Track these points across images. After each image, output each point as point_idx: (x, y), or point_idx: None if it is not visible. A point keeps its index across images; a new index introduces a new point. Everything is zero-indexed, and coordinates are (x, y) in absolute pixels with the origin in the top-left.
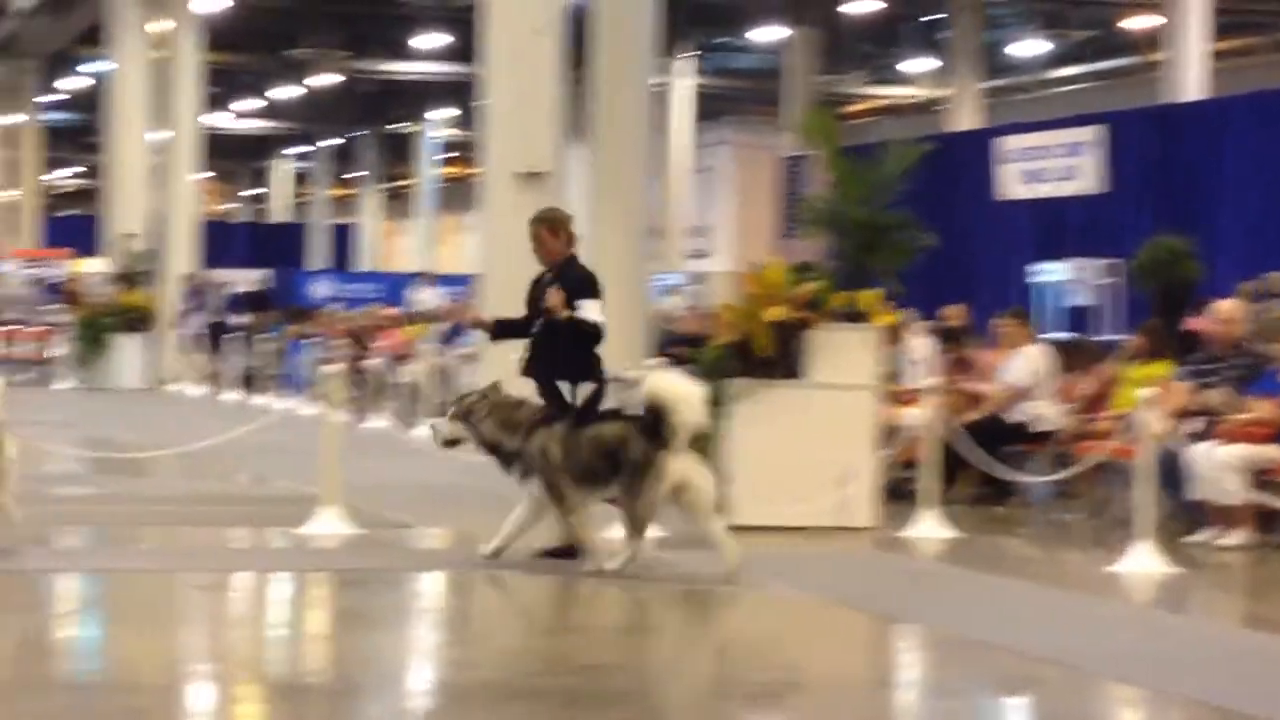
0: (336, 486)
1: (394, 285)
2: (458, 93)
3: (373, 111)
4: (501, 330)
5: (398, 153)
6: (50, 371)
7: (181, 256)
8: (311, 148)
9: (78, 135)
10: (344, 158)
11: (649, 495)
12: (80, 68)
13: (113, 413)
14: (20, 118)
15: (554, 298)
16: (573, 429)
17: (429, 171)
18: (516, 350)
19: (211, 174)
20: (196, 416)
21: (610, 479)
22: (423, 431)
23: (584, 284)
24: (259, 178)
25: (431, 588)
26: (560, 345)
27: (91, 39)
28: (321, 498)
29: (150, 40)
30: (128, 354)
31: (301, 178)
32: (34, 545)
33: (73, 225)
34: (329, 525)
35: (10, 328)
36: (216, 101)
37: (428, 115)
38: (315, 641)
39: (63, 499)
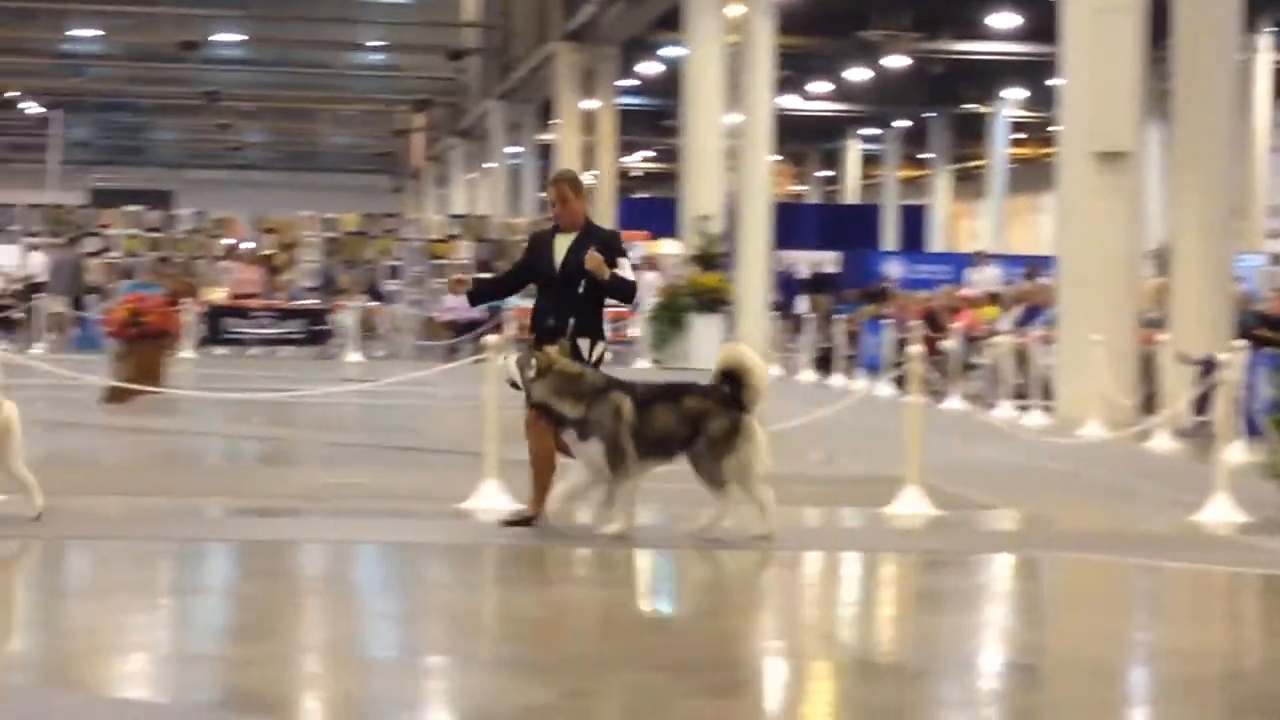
0: (918, 467)
1: (964, 266)
2: (1031, 72)
3: (944, 92)
4: (482, 291)
5: (969, 133)
6: (629, 351)
7: (755, 238)
8: (882, 129)
9: (652, 119)
10: (914, 139)
11: (742, 456)
12: (656, 53)
13: None
14: (598, 103)
15: (594, 260)
16: (643, 400)
17: (1000, 152)
18: (1096, 331)
19: (783, 156)
20: (772, 397)
21: (678, 450)
22: (1003, 412)
23: (616, 243)
24: (830, 159)
25: (1004, 569)
26: (579, 304)
27: (667, 24)
28: (904, 478)
29: (725, 24)
30: (704, 334)
31: (872, 159)
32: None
33: (647, 207)
34: (911, 505)
35: None
36: (788, 84)
37: (1000, 95)
38: (889, 621)
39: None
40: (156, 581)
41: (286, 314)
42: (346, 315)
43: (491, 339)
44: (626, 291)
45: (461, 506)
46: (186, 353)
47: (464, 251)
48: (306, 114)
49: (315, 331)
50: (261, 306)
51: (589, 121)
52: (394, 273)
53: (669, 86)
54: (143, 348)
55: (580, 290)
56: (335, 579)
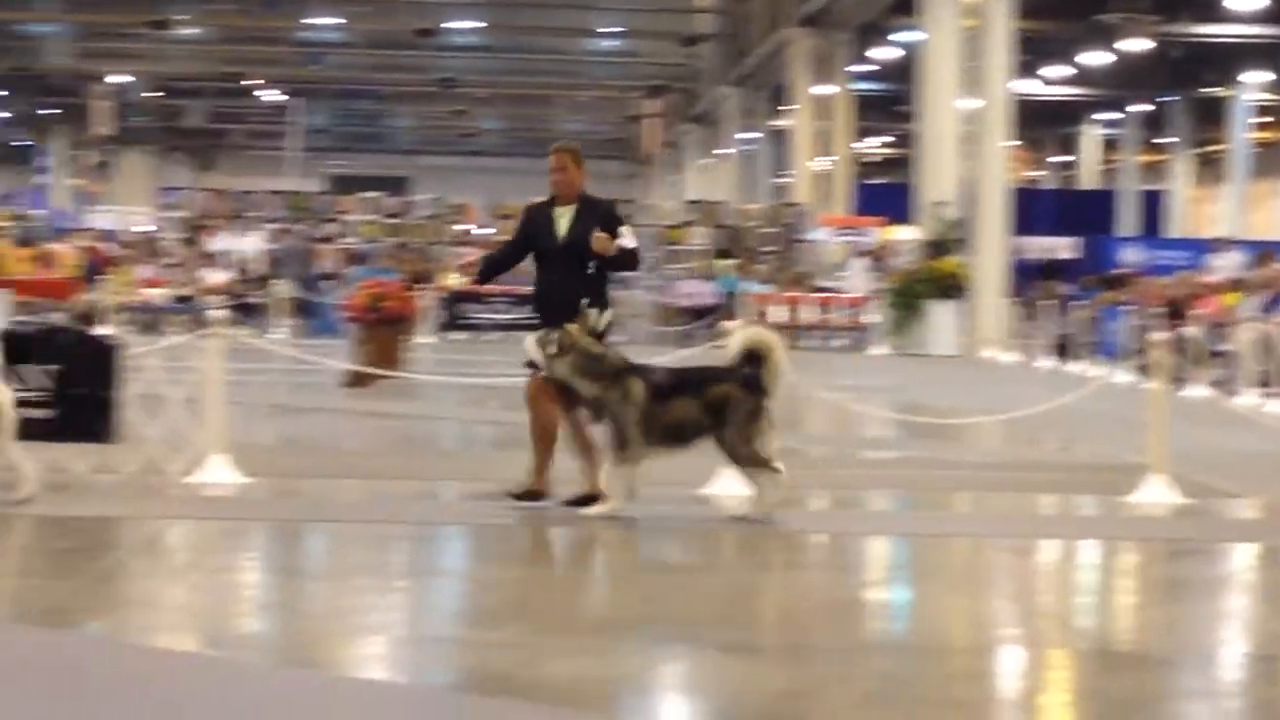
0: (1164, 455)
1: (1204, 252)
2: (1273, 55)
3: (1184, 75)
4: (488, 269)
5: (1209, 117)
6: (865, 337)
7: (991, 224)
8: (1121, 114)
9: (887, 104)
10: (1154, 123)
11: (762, 436)
12: (891, 38)
13: (924, 378)
14: (832, 88)
15: (602, 242)
16: (664, 384)
17: (1241, 136)
18: None
19: (1019, 141)
20: (1009, 383)
21: (700, 434)
22: (1247, 399)
23: (615, 214)
24: (1067, 144)
25: (1249, 559)
26: (586, 276)
27: (902, 9)
28: (1149, 466)
29: (962, 9)
30: (941, 320)
31: (1110, 144)
32: (845, 508)
33: (883, 193)
34: (1157, 494)
35: (825, 294)
36: (1025, 68)
37: (1242, 78)
38: (1130, 610)
39: (874, 462)
40: (394, 564)
41: (522, 299)
42: None
43: (728, 324)
44: (631, 262)
45: (701, 492)
46: (424, 338)
47: (698, 237)
48: (540, 100)
49: None
50: (498, 292)
51: (823, 107)
52: None
53: (905, 72)
54: (381, 333)
55: (589, 267)
56: (573, 561)
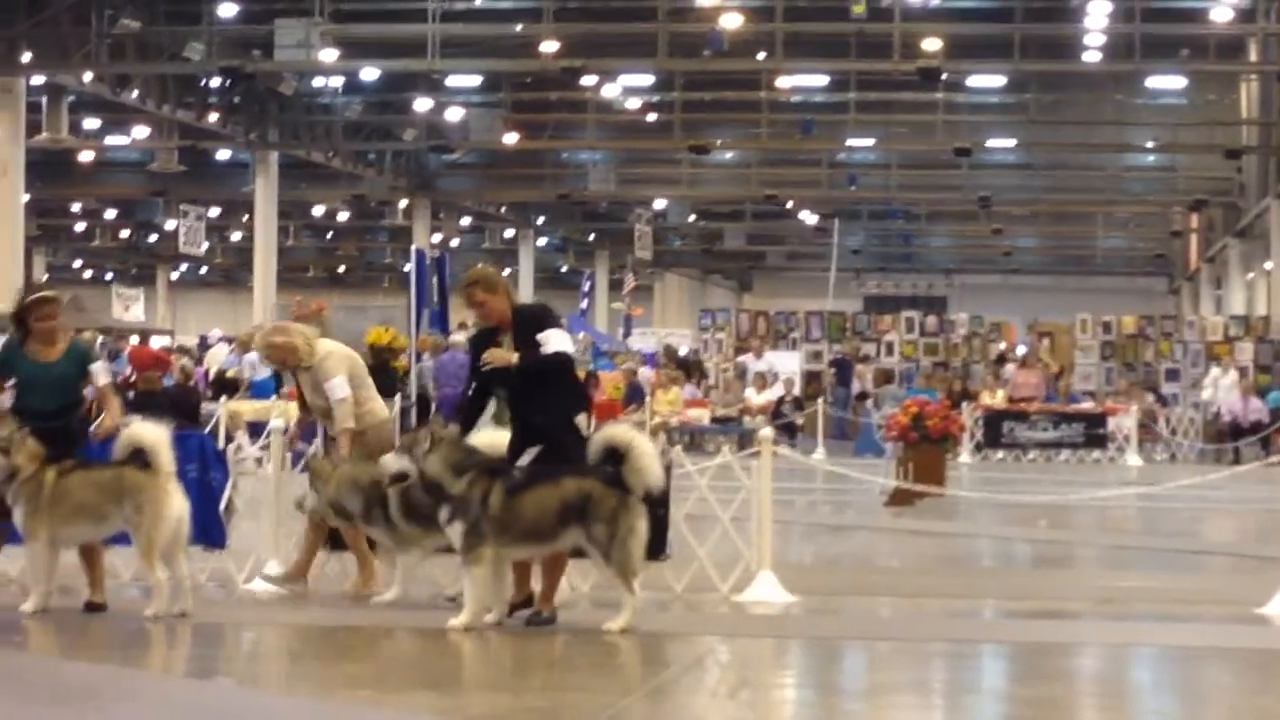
0: None
1: None
2: None
3: None
4: (468, 421)
5: None
6: None
7: None
8: None
9: None
10: None
11: (633, 545)
12: None
13: None
14: None
15: (497, 356)
16: (522, 483)
17: None
18: None
19: None
20: None
21: (563, 530)
22: None
23: (546, 317)
24: None
25: None
26: (551, 386)
27: None
28: None
29: None
30: None
31: None
32: None
33: None
34: None
35: None
36: None
37: None
38: None
39: None
40: (931, 681)
41: (1064, 418)
42: (1125, 418)
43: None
44: (556, 364)
45: (1260, 611)
46: (965, 456)
47: (1244, 353)
48: (1079, 217)
49: (1093, 435)
50: (1039, 410)
51: None
52: (1173, 375)
53: None
54: (924, 451)
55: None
56: (1115, 681)
